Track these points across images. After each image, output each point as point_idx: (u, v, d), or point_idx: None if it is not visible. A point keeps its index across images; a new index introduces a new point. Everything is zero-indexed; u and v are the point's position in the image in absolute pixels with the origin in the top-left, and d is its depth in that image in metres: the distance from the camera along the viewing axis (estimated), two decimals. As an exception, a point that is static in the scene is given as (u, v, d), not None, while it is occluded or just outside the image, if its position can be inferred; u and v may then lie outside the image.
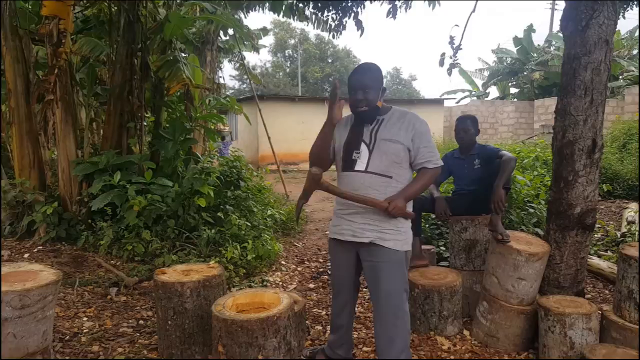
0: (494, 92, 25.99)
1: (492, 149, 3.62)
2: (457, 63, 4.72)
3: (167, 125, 5.88)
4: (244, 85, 36.00)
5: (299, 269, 4.99)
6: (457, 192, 3.75)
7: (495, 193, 3.20)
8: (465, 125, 3.61)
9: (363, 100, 2.43)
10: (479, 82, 25.12)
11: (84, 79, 6.06)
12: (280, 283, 4.46)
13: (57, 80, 5.15)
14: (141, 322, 3.43)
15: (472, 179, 3.55)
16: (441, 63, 4.75)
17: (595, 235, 5.53)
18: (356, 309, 3.32)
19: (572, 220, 3.10)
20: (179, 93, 6.48)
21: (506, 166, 3.33)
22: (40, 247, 4.91)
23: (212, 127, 7.01)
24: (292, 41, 40.16)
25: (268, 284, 4.34)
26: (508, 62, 23.56)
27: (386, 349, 2.48)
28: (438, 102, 20.68)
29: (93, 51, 5.94)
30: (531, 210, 4.57)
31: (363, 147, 2.46)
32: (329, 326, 3.43)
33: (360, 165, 2.45)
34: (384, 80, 2.59)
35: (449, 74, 4.82)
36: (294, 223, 6.72)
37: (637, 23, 13.79)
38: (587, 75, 3.00)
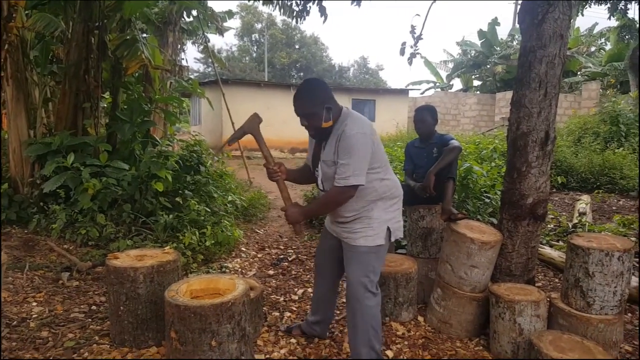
0: (457, 84, 26.53)
1: (447, 137, 3.70)
2: (417, 52, 4.76)
3: (125, 107, 5.70)
4: (209, 69, 35.28)
5: (259, 255, 4.97)
6: (417, 180, 3.79)
7: (426, 179, 3.45)
8: (422, 116, 3.68)
9: (308, 126, 2.45)
10: (444, 74, 25.54)
11: (38, 56, 5.79)
12: (240, 269, 4.44)
13: (7, 57, 4.90)
14: (94, 307, 3.34)
15: (430, 167, 3.59)
16: (402, 52, 4.78)
17: (548, 226, 5.75)
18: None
19: (524, 210, 3.20)
20: (137, 74, 6.28)
21: (445, 155, 3.48)
22: (-12, 230, 4.70)
23: (173, 110, 6.84)
24: (259, 25, 39.59)
25: (227, 271, 4.31)
26: (472, 54, 24.02)
27: (351, 337, 2.58)
28: (403, 92, 20.85)
29: (47, 27, 5.64)
30: (487, 200, 4.70)
31: (319, 166, 2.54)
32: (286, 312, 3.47)
33: (320, 184, 2.57)
34: (327, 96, 2.41)
35: (410, 63, 4.85)
36: (256, 210, 6.69)
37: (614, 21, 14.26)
38: (542, 68, 3.08)
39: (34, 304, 3.32)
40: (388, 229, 2.53)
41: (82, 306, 3.34)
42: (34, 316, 3.12)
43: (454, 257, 3.14)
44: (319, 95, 2.39)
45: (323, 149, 2.51)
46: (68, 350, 2.71)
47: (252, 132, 2.62)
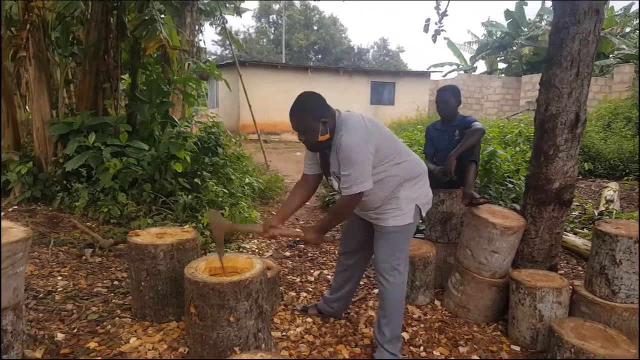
0: (481, 66, 26.04)
1: (470, 119, 3.60)
2: (442, 29, 4.62)
3: (144, 87, 5.72)
4: (226, 51, 35.21)
5: (276, 237, 4.99)
6: (437, 163, 3.69)
7: (447, 162, 3.37)
8: (445, 97, 3.58)
9: (304, 141, 2.43)
10: (467, 56, 24.99)
11: (59, 37, 5.83)
12: (257, 250, 4.46)
13: (29, 37, 4.94)
14: (115, 282, 3.41)
15: (452, 150, 3.49)
16: (426, 29, 4.64)
17: (573, 213, 5.63)
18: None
19: (549, 195, 3.12)
20: (156, 54, 6.29)
21: (468, 137, 3.39)
22: (16, 207, 4.82)
23: (191, 91, 6.85)
24: (277, 6, 39.16)
25: (244, 251, 4.34)
26: (498, 35, 23.34)
27: (378, 312, 2.63)
28: (424, 75, 20.54)
29: (67, 8, 5.67)
30: (510, 185, 4.60)
31: (331, 173, 2.52)
32: (302, 292, 3.49)
33: (338, 189, 2.53)
34: (322, 109, 2.37)
35: (434, 40, 4.72)
36: (272, 192, 6.71)
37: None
38: (575, 46, 2.94)
39: (59, 278, 3.40)
40: (417, 206, 2.54)
41: (104, 281, 3.41)
42: (59, 289, 3.20)
43: (474, 242, 3.10)
44: (313, 110, 2.35)
45: (329, 160, 2.49)
46: (92, 323, 2.78)
47: (225, 229, 2.75)
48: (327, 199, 5.99)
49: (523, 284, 2.85)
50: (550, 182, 3.13)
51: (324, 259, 4.27)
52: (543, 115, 3.13)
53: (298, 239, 2.66)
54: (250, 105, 9.74)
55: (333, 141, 2.38)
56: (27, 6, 4.76)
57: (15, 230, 2.39)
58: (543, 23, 21.17)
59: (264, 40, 40.05)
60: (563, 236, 3.88)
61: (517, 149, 5.72)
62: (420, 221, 4.48)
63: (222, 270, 2.55)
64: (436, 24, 4.61)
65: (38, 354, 2.40)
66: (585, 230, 5.03)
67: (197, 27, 8.44)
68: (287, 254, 4.40)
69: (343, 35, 42.36)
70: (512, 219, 3.15)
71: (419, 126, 9.50)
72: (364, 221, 2.71)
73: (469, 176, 3.37)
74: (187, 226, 3.43)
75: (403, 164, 2.52)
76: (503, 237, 3.01)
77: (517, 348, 2.85)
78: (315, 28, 40.21)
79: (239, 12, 11.01)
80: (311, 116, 2.33)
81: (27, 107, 6.25)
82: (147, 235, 2.91)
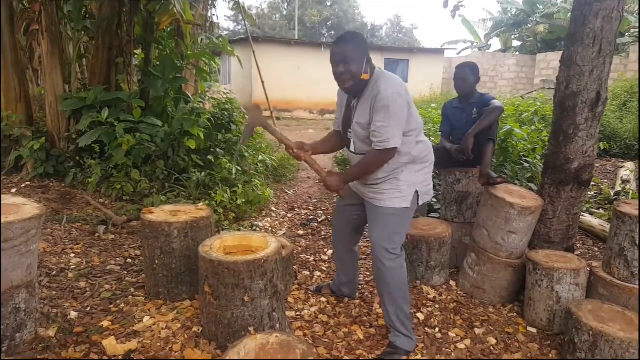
0: (495, 44, 25.47)
1: (488, 97, 3.51)
2: (461, 5, 4.50)
3: (157, 62, 5.66)
4: (239, 27, 34.81)
5: (289, 215, 4.98)
6: (454, 142, 3.62)
7: (464, 140, 3.31)
8: (464, 74, 3.49)
9: (345, 73, 2.29)
10: (481, 33, 24.46)
11: (71, 11, 5.77)
12: (270, 228, 4.45)
13: (42, 9, 4.89)
14: (129, 260, 3.42)
15: (469, 129, 3.41)
16: (445, 5, 4.52)
17: (589, 193, 5.53)
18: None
19: (568, 175, 3.05)
20: (169, 29, 6.21)
21: (486, 116, 3.32)
22: (28, 183, 4.83)
23: (204, 67, 6.77)
24: (291, -19, 38.48)
25: (257, 229, 4.33)
26: (513, 13, 22.80)
27: (380, 298, 2.58)
28: (438, 52, 20.14)
29: (80, -20, 5.61)
30: (526, 165, 4.52)
31: (352, 126, 2.44)
32: (316, 271, 3.48)
33: (352, 146, 2.49)
34: (367, 49, 2.32)
35: (453, 16, 4.60)
36: (285, 170, 6.67)
37: None
38: (598, 23, 2.84)
39: (72, 255, 3.41)
40: (416, 192, 2.46)
41: (117, 259, 3.42)
42: (72, 267, 3.21)
43: (491, 222, 3.04)
44: (362, 45, 2.30)
45: (354, 109, 2.42)
46: (105, 301, 2.79)
47: (260, 124, 2.61)
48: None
49: (540, 265, 2.80)
50: (569, 162, 3.05)
51: (337, 237, 4.24)
52: (563, 94, 3.03)
53: (320, 178, 2.56)
54: (263, 82, 9.64)
55: (368, 89, 2.32)
56: (39, -22, 4.70)
57: (28, 207, 2.38)
58: (559, 0, 20.57)
59: (277, 16, 39.47)
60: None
61: (533, 127, 5.60)
62: (435, 200, 4.46)
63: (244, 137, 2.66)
64: (455, -1, 4.49)
65: (51, 332, 2.41)
66: (601, 211, 4.94)
67: (210, 1, 8.28)
68: (301, 232, 4.39)
69: (356, 11, 41.60)
70: (529, 199, 3.08)
71: (433, 104, 9.35)
72: (357, 200, 2.64)
73: (486, 155, 3.30)
74: (201, 204, 3.41)
75: (420, 144, 2.46)
76: (520, 218, 2.95)
77: (534, 330, 2.82)
78: (328, 4, 39.49)
79: (251, -14, 10.80)
80: (359, 52, 2.27)
81: (39, 82, 6.23)
82: (161, 213, 2.89)
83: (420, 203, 2.53)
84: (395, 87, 2.25)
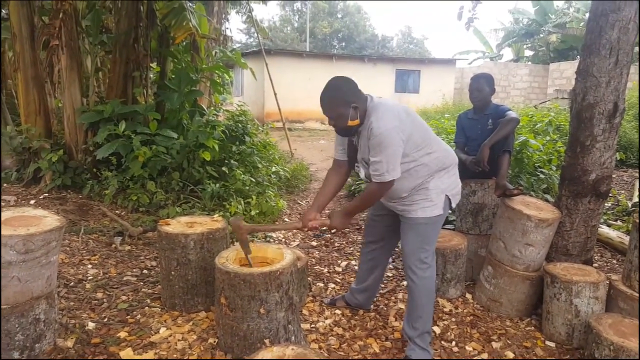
0: (507, 54, 25.43)
1: (503, 108, 3.50)
2: (475, 17, 4.51)
3: (173, 76, 5.74)
4: (251, 40, 35.16)
5: (302, 226, 4.98)
6: (469, 153, 3.61)
7: (480, 152, 3.29)
8: (479, 85, 3.49)
9: (331, 121, 2.40)
10: (493, 43, 24.43)
11: (89, 26, 5.89)
12: (283, 240, 4.46)
13: (62, 25, 5.00)
14: (145, 271, 3.44)
15: (484, 139, 3.40)
16: (459, 16, 4.54)
17: (606, 204, 5.45)
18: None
19: (586, 186, 3.01)
20: (184, 43, 6.31)
21: (502, 127, 3.31)
22: (46, 194, 4.91)
23: (218, 79, 6.85)
24: (302, -6, 38.87)
25: (271, 240, 4.34)
26: (524, 23, 22.78)
27: (407, 306, 2.61)
28: (450, 62, 20.15)
29: (99, -4, 5.74)
30: (542, 176, 4.48)
31: (359, 161, 2.51)
32: (330, 283, 3.47)
33: (364, 177, 2.53)
34: (352, 95, 2.33)
35: (467, 28, 4.61)
36: (298, 181, 6.70)
37: None
38: (614, 34, 2.83)
39: (89, 266, 3.45)
40: (447, 197, 2.49)
41: (134, 270, 3.45)
42: (89, 278, 3.24)
43: (508, 235, 3.02)
44: (344, 95, 2.32)
45: (358, 145, 2.47)
46: (122, 312, 2.81)
47: (247, 232, 2.56)
48: (352, 188, 5.95)
49: (558, 278, 2.76)
50: (586, 174, 3.02)
51: (351, 249, 4.24)
52: (580, 105, 3.01)
53: (324, 227, 2.59)
54: (275, 94, 9.71)
55: (363, 126, 2.36)
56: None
57: (49, 219, 2.42)
58: (571, 10, 20.54)
59: (288, 28, 39.86)
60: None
61: (547, 138, 5.56)
62: (450, 212, 4.43)
63: (250, 265, 2.53)
64: (470, 11, 4.50)
65: (69, 343, 2.43)
66: (619, 223, 4.86)
67: (224, 15, 8.41)
68: (314, 243, 4.39)
69: (367, 22, 41.85)
70: (546, 210, 3.05)
71: (446, 115, 9.33)
72: (388, 211, 2.66)
73: (502, 166, 3.28)
74: (217, 215, 3.44)
75: (434, 154, 2.46)
76: (537, 230, 2.92)
77: (552, 344, 2.78)
78: (339, 16, 39.80)
79: (264, 0, 10.95)
80: (341, 101, 2.30)
81: (55, 95, 6.33)
82: (177, 225, 2.92)
83: (453, 205, 2.56)
84: (387, 121, 2.27)
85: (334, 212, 2.58)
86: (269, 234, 4.45)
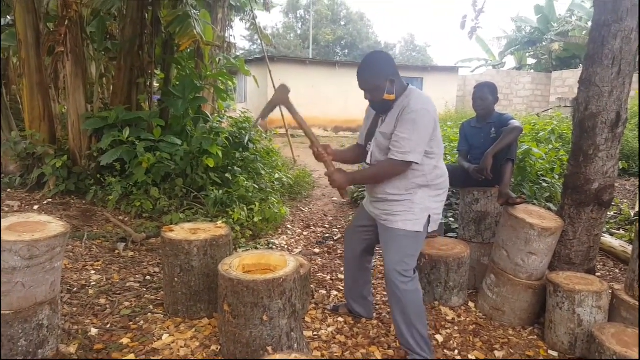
0: (510, 62, 25.45)
1: (506, 117, 3.51)
2: (478, 26, 4.54)
3: (177, 82, 5.78)
4: (255, 46, 35.34)
5: (304, 233, 4.99)
6: (471, 162, 3.62)
7: (483, 160, 3.30)
8: (483, 93, 3.50)
9: (367, 96, 2.42)
10: (496, 51, 24.52)
11: (94, 32, 5.95)
12: (286, 246, 4.46)
13: (67, 32, 5.05)
14: (148, 277, 3.45)
15: (487, 148, 3.41)
16: (462, 25, 4.57)
17: (608, 213, 5.45)
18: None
19: (588, 195, 3.02)
20: (189, 50, 6.36)
21: (505, 135, 3.32)
22: (50, 200, 4.94)
23: (222, 86, 6.89)
24: (305, 2, 39.09)
25: (274, 247, 4.34)
26: (527, 31, 22.88)
27: (394, 320, 2.54)
28: (452, 70, 20.19)
29: (104, 4, 5.80)
30: (544, 184, 4.48)
31: (376, 135, 2.49)
32: (333, 290, 3.47)
33: (369, 157, 2.52)
34: (391, 69, 2.34)
35: (470, 37, 4.64)
36: (301, 188, 6.70)
37: None
38: (617, 44, 2.84)
39: (92, 272, 3.46)
40: (429, 217, 2.46)
41: (137, 276, 3.45)
42: (92, 284, 3.25)
43: (511, 243, 3.02)
44: (382, 68, 2.34)
45: (382, 122, 2.46)
46: (125, 318, 2.82)
47: (283, 103, 2.61)
48: (355, 195, 5.96)
49: (561, 287, 2.76)
50: (589, 183, 3.02)
51: (353, 256, 4.23)
52: (583, 114, 3.02)
53: (328, 168, 2.53)
54: (278, 101, 9.71)
55: (397, 104, 2.37)
56: (66, 3, 4.86)
57: (53, 225, 2.43)
58: (574, 19, 20.60)
59: (291, 35, 40.04)
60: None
61: (550, 146, 5.57)
62: (453, 220, 4.44)
63: (258, 120, 2.68)
64: (473, 20, 4.53)
65: (72, 349, 2.44)
66: (622, 232, 4.86)
67: (227, 22, 8.48)
68: (317, 250, 4.39)
69: (370, 30, 42.04)
70: (549, 219, 3.05)
71: (449, 122, 9.35)
72: (371, 222, 2.66)
73: (505, 175, 3.29)
74: (220, 222, 3.45)
75: (437, 170, 2.47)
76: (541, 239, 2.92)
77: (555, 354, 2.77)
78: (342, 23, 39.99)
79: (268, 8, 11.03)
80: (379, 74, 2.32)
81: (60, 101, 6.38)
82: (181, 231, 2.93)
83: (430, 230, 2.53)
84: (425, 103, 2.31)
85: (341, 169, 2.53)
86: (272, 241, 4.46)
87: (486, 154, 3.29)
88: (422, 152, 2.31)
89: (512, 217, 3.02)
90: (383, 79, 2.32)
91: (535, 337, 2.96)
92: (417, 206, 2.43)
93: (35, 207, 4.68)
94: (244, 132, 5.53)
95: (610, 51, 2.87)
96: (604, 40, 2.89)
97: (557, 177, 4.63)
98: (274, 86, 9.89)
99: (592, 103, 2.94)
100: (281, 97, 2.60)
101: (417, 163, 2.31)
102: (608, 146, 2.97)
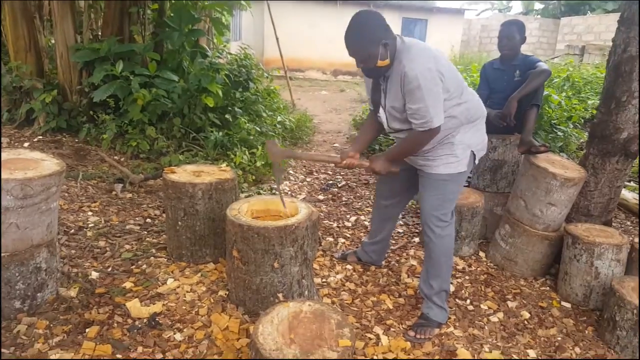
0: (517, 6, 24.54)
1: (533, 59, 3.27)
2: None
3: (172, 14, 5.37)
4: (251, -18, 33.68)
5: (307, 179, 4.83)
6: (492, 106, 3.35)
7: (507, 105, 3.10)
8: (510, 32, 3.23)
9: (359, 64, 2.14)
10: (502, -5, 23.60)
11: (81, -45, 5.47)
12: (289, 192, 4.32)
13: (51, -48, 4.61)
14: (148, 220, 3.31)
15: (511, 92, 3.19)
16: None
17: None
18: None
19: (616, 145, 2.86)
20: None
21: (532, 79, 3.10)
22: (40, 137, 4.70)
23: (222, 17, 6.45)
24: None
25: (278, 193, 4.19)
26: (536, -26, 21.91)
27: (425, 264, 2.48)
28: (458, 12, 19.37)
29: None
30: (559, 133, 4.31)
31: (381, 109, 2.29)
32: (340, 238, 3.36)
33: (385, 124, 2.34)
34: (382, 31, 2.05)
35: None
36: (302, 132, 6.48)
37: None
38: (665, -21, 2.59)
39: (90, 213, 3.31)
40: (472, 153, 2.31)
41: (136, 218, 3.31)
42: (90, 225, 3.11)
43: (530, 193, 2.89)
44: (374, 31, 2.04)
45: (384, 91, 2.22)
46: (126, 262, 2.70)
47: (283, 157, 2.55)
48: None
49: (580, 239, 2.66)
50: (618, 132, 2.85)
51: (360, 204, 4.11)
52: (620, 57, 2.79)
53: (363, 168, 2.43)
54: (277, 38, 9.27)
55: (393, 69, 2.11)
56: None
57: (47, 163, 2.25)
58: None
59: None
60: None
61: (564, 94, 5.35)
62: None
63: (282, 204, 2.45)
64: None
65: (72, 293, 2.33)
66: (633, 184, 4.76)
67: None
68: (321, 197, 4.25)
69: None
70: (572, 169, 2.91)
71: (459, 66, 9.02)
72: (406, 165, 2.47)
73: (529, 122, 3.10)
74: (225, 165, 3.27)
75: (464, 104, 2.25)
76: (562, 189, 2.79)
77: (568, 305, 2.71)
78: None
79: None
80: (370, 39, 2.04)
81: (45, 34, 5.96)
82: (183, 173, 2.75)
83: (476, 162, 2.39)
84: (421, 62, 2.03)
85: (374, 157, 2.39)
86: (274, 187, 4.31)
87: (511, 98, 3.07)
88: (442, 109, 2.09)
89: (534, 166, 2.87)
90: (376, 43, 2.03)
91: (548, 288, 2.90)
92: (458, 147, 2.27)
93: (26, 144, 4.45)
94: (244, 70, 5.22)
95: (657, -13, 2.62)
96: (650, -26, 2.63)
97: (571, 126, 4.46)
98: (272, 21, 9.42)
99: (632, 44, 2.71)
100: (277, 153, 2.46)
101: (442, 122, 2.12)
102: (642, 93, 2.77)
